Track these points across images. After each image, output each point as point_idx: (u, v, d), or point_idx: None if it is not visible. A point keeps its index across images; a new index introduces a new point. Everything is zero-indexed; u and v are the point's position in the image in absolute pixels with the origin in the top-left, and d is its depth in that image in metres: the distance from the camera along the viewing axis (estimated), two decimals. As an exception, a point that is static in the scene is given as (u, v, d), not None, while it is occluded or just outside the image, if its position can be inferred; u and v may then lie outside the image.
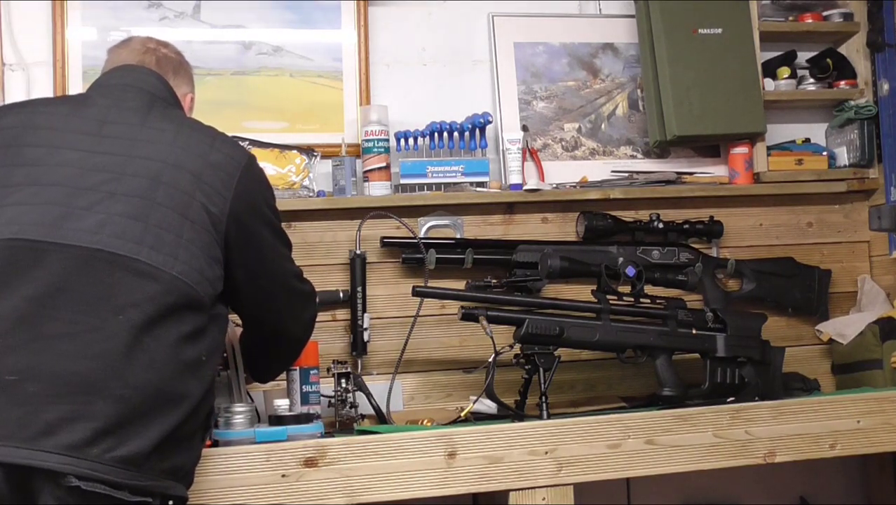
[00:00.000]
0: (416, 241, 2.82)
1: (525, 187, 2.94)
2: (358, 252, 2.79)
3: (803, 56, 3.22)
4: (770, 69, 3.16)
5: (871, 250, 3.22)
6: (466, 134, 2.92)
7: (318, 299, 2.75)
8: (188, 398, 1.71)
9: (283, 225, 2.78)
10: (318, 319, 2.77)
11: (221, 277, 1.84)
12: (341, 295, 2.79)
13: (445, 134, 2.91)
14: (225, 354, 2.40)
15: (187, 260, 1.74)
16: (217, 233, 1.82)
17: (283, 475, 2.05)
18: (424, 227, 2.90)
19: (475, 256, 2.83)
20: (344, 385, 2.50)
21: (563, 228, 3.00)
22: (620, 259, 2.88)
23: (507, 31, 3.07)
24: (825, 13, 3.20)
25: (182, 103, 2.08)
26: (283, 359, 2.27)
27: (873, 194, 3.18)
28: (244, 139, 2.79)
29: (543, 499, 2.19)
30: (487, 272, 2.82)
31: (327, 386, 2.55)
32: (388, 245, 2.83)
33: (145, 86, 1.96)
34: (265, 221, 1.95)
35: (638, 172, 3.06)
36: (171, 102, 2.00)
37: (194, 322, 1.74)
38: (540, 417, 2.37)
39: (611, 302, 2.57)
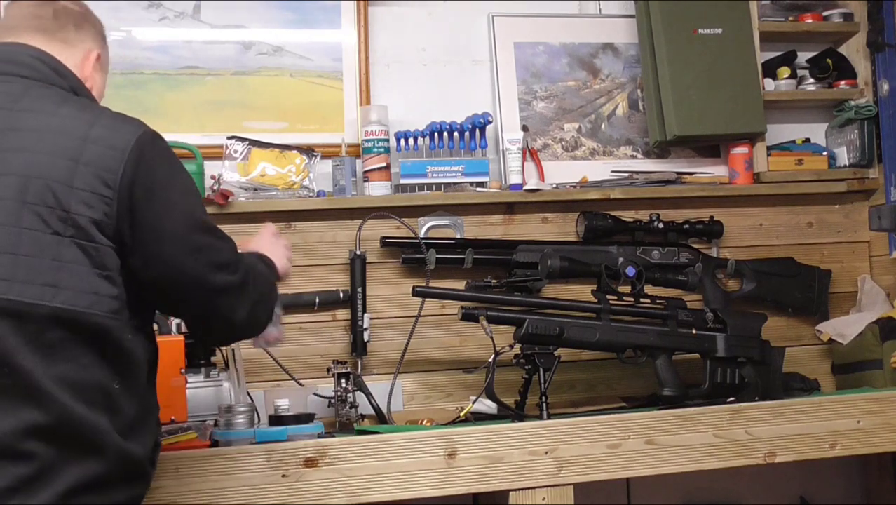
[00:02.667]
0: (416, 241, 2.82)
1: (525, 187, 2.94)
2: (358, 252, 2.79)
3: (803, 56, 3.23)
4: (770, 69, 3.16)
5: (871, 250, 3.22)
6: (466, 134, 2.92)
7: (317, 300, 2.77)
8: (102, 438, 1.52)
9: (283, 225, 2.81)
10: (318, 320, 2.80)
11: (123, 286, 1.57)
12: (341, 295, 2.79)
13: (445, 134, 2.91)
14: (224, 354, 2.40)
15: (72, 284, 1.51)
16: (108, 238, 1.55)
17: (283, 475, 2.05)
18: (424, 227, 2.90)
19: (475, 256, 2.83)
20: (344, 385, 2.50)
21: (563, 228, 3.00)
22: (620, 259, 2.88)
23: (507, 31, 3.07)
24: (825, 13, 3.20)
25: (83, 65, 1.79)
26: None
27: (873, 194, 3.18)
28: (244, 139, 2.80)
29: (543, 499, 2.19)
30: (487, 272, 2.82)
31: (327, 386, 2.55)
32: (389, 245, 2.83)
33: (19, 70, 1.65)
34: (168, 200, 1.62)
35: (638, 172, 3.05)
36: (52, 80, 1.68)
37: (92, 350, 1.53)
38: (540, 417, 2.37)
39: (611, 302, 2.57)
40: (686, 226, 3.01)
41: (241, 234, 2.75)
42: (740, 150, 3.08)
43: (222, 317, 1.72)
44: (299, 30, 2.94)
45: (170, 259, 1.61)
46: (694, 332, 2.62)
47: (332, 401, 2.51)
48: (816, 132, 3.27)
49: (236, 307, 1.72)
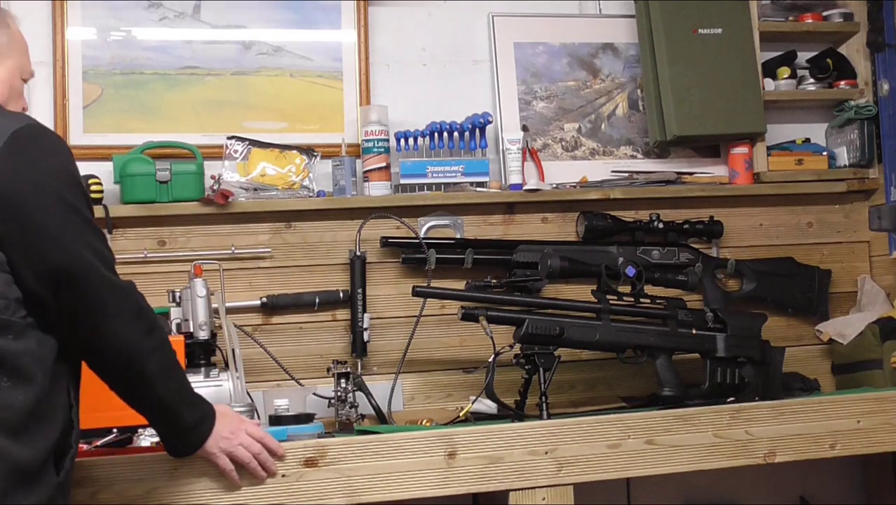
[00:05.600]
0: (417, 241, 2.82)
1: (525, 187, 2.94)
2: (358, 253, 2.79)
3: (803, 56, 3.22)
4: (770, 69, 3.16)
5: (871, 250, 3.22)
6: (466, 134, 2.92)
7: (317, 300, 2.77)
8: None
9: (284, 225, 2.81)
10: (318, 320, 2.80)
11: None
12: (341, 295, 2.79)
13: (445, 134, 2.91)
14: (224, 354, 2.40)
15: None
16: None
17: (283, 475, 2.05)
18: (424, 227, 2.90)
19: (475, 256, 2.83)
20: (344, 385, 2.50)
21: (563, 228, 3.00)
22: (620, 259, 2.88)
23: (507, 31, 3.07)
24: (825, 13, 3.20)
25: None
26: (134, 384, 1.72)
27: (873, 194, 3.18)
28: (244, 139, 2.80)
29: (543, 499, 2.19)
30: (487, 272, 2.82)
31: (327, 386, 2.55)
32: (390, 245, 2.83)
33: None
34: (49, 195, 1.56)
35: (638, 172, 3.05)
36: None
37: None
38: (540, 417, 2.37)
39: (611, 302, 2.57)
40: (686, 226, 3.01)
41: (241, 234, 2.78)
42: (740, 150, 3.07)
43: (109, 310, 1.60)
44: (299, 30, 2.94)
45: (50, 249, 1.55)
46: (694, 332, 2.61)
47: (332, 401, 2.51)
48: (816, 132, 3.27)
49: (122, 314, 1.62)
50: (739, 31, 3.06)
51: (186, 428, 1.80)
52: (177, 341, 2.31)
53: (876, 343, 2.92)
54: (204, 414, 1.83)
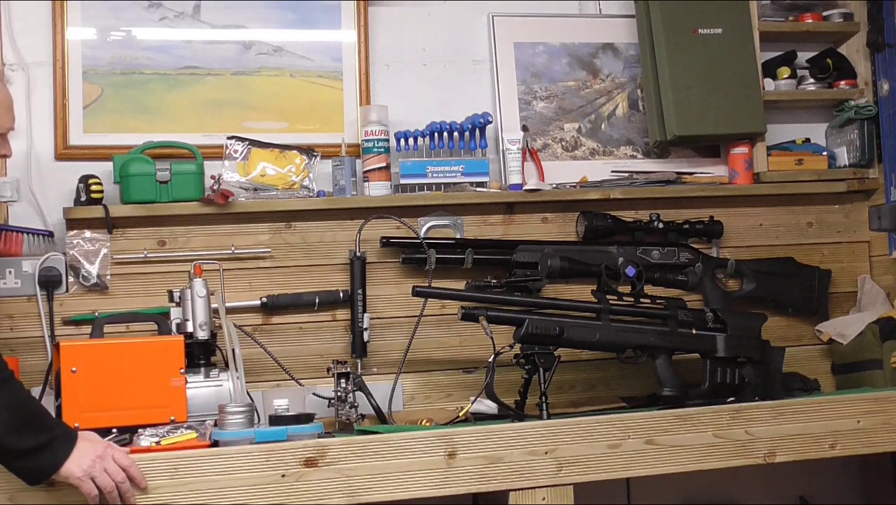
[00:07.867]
0: (417, 241, 2.82)
1: (525, 187, 2.94)
2: (358, 253, 2.79)
3: (803, 56, 3.22)
4: (770, 69, 3.16)
5: (871, 250, 3.22)
6: (466, 134, 2.92)
7: (317, 300, 2.77)
8: None
9: (284, 225, 2.81)
10: (318, 320, 2.80)
11: None
12: (341, 295, 2.79)
13: (445, 134, 2.91)
14: (224, 353, 2.40)
15: None
16: None
17: (283, 475, 2.05)
18: (424, 227, 2.90)
19: (475, 256, 2.83)
20: (344, 385, 2.50)
21: (563, 228, 3.00)
22: (620, 259, 2.88)
23: (507, 31, 3.07)
24: (825, 13, 3.20)
25: None
26: None
27: (873, 194, 3.18)
28: (244, 139, 2.80)
29: (543, 499, 2.19)
30: (487, 272, 2.82)
31: (327, 386, 2.55)
32: (390, 245, 2.83)
33: None
34: None
35: (638, 172, 3.05)
36: None
37: None
38: (540, 417, 2.37)
39: (611, 302, 2.57)
40: (686, 226, 3.01)
41: (241, 234, 2.78)
42: (740, 150, 3.07)
43: None
44: (299, 30, 2.94)
45: None
46: (694, 332, 2.61)
47: (332, 401, 2.51)
48: (816, 132, 3.27)
49: None
50: (739, 31, 3.06)
51: (27, 452, 1.83)
52: (177, 341, 2.31)
53: (876, 343, 2.92)
54: (52, 438, 1.85)
